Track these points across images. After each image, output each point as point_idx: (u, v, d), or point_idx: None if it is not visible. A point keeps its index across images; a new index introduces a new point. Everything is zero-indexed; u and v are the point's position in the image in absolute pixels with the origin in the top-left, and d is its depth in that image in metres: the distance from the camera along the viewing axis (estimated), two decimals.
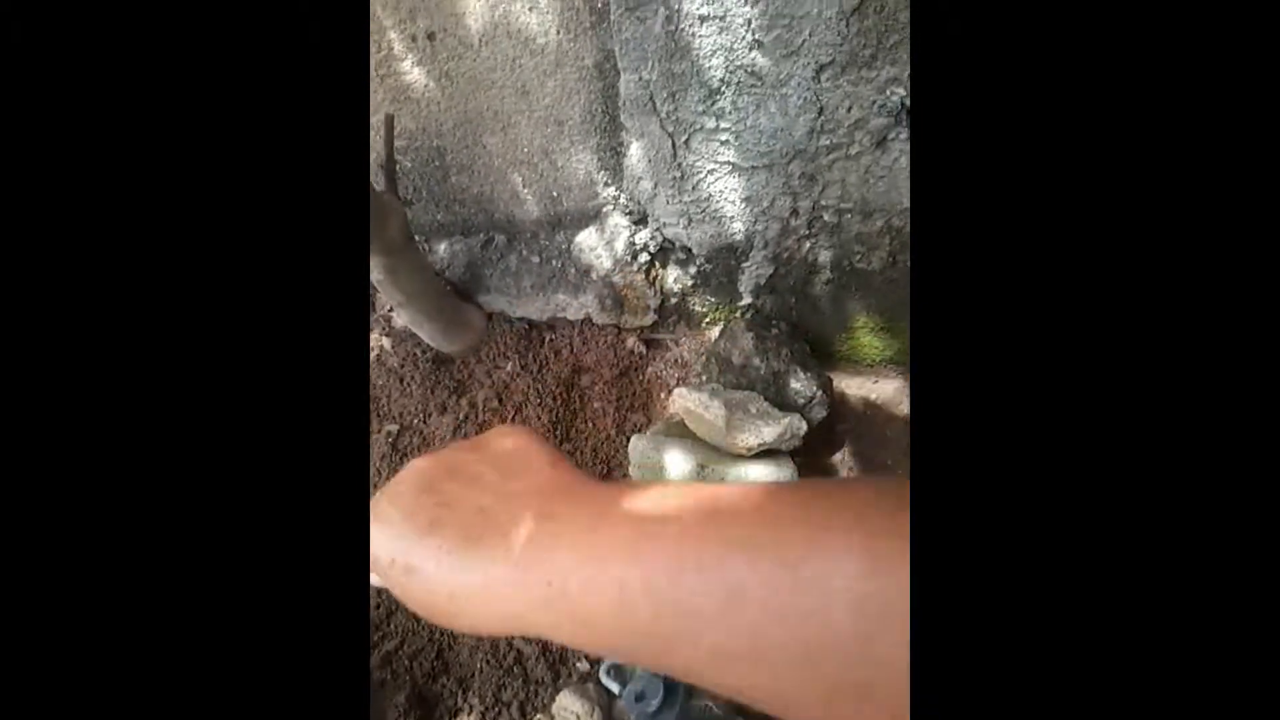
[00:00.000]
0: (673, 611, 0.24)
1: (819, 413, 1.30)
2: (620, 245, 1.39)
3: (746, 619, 0.22)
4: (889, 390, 1.56)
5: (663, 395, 1.49)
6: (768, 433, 1.16)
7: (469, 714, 1.17)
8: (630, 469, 1.30)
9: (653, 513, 0.27)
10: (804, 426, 1.18)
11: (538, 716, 1.07)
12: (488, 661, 1.23)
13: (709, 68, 1.14)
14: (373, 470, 1.48)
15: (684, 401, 1.18)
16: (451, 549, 0.30)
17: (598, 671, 1.14)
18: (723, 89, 1.15)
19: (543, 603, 0.27)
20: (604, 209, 1.40)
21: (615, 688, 1.06)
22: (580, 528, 0.28)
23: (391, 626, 1.30)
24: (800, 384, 1.27)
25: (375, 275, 1.30)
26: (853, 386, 1.57)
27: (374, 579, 0.35)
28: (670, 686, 0.97)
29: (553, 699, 1.16)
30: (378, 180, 1.25)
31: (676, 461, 1.18)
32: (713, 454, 1.19)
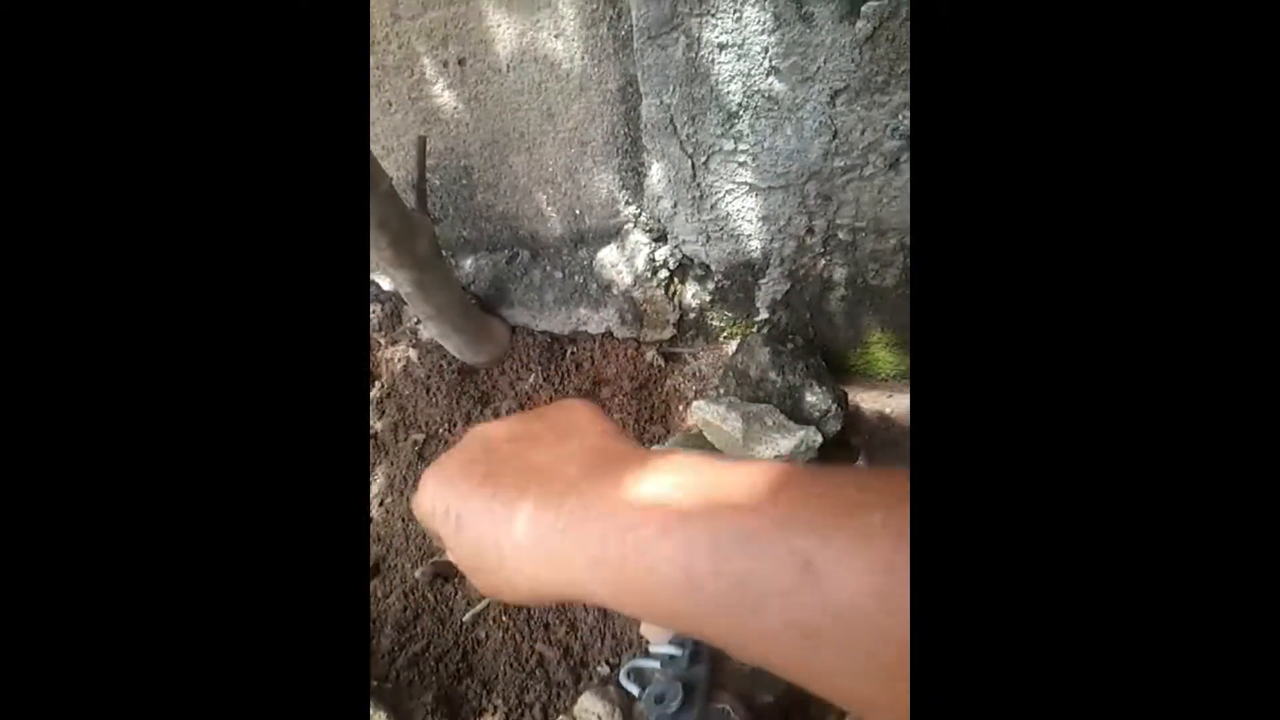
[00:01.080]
0: (742, 581, 0.23)
1: (834, 426, 1.33)
2: (640, 262, 1.44)
3: (820, 595, 0.21)
4: (903, 404, 1.59)
5: (681, 407, 1.53)
6: (784, 445, 1.20)
7: (493, 714, 1.21)
8: None
9: (719, 481, 0.25)
10: (819, 439, 1.21)
11: (560, 718, 1.11)
12: (510, 664, 1.27)
13: (728, 92, 1.18)
14: (399, 478, 1.53)
15: (703, 414, 1.22)
16: (504, 501, 0.29)
17: (618, 675, 1.18)
18: (741, 113, 1.19)
19: (592, 563, 0.26)
20: (625, 226, 1.44)
21: (635, 690, 1.10)
22: (636, 490, 0.26)
23: (418, 629, 1.34)
24: (816, 397, 1.31)
25: (405, 289, 1.35)
26: (867, 400, 1.60)
27: (432, 531, 0.34)
28: (689, 688, 1.00)
29: (574, 701, 1.20)
30: (409, 198, 1.30)
31: None
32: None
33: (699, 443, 1.32)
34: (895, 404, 1.59)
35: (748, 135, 1.21)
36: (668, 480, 0.26)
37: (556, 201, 1.45)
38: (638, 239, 1.44)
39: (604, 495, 0.27)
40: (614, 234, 1.46)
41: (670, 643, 1.09)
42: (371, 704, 1.15)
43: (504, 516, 0.29)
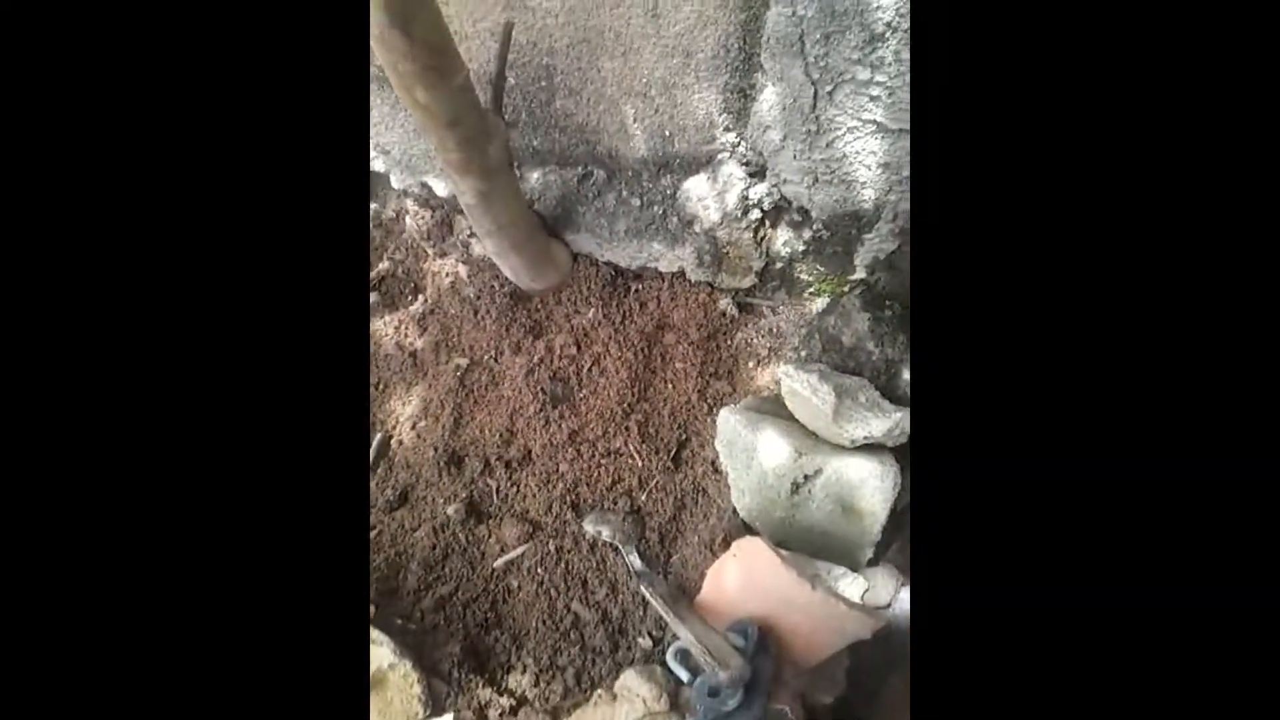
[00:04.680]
0: None
1: None
2: (731, 198, 1.27)
3: None
4: None
5: (751, 364, 1.39)
6: (876, 426, 1.06)
7: (522, 673, 1.13)
8: (717, 443, 1.21)
9: None
10: (909, 429, 1.07)
11: (598, 692, 1.02)
12: (543, 621, 1.18)
13: (876, 8, 0.99)
14: (435, 402, 1.42)
15: (790, 382, 1.08)
16: None
17: (662, 653, 1.09)
18: (888, 36, 1.00)
19: None
20: (720, 156, 1.27)
21: (684, 675, 1.00)
22: None
23: (447, 570, 1.25)
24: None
25: (466, 199, 1.20)
26: None
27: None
28: (751, 687, 0.91)
29: (611, 670, 1.11)
30: (484, 95, 1.13)
31: (772, 444, 1.08)
32: (811, 441, 1.10)
33: (775, 409, 1.18)
34: None
35: (890, 65, 1.02)
36: None
37: (645, 118, 1.27)
38: (732, 172, 1.26)
39: None
40: (705, 163, 1.29)
41: (731, 629, 0.99)
42: (396, 650, 1.06)
43: None
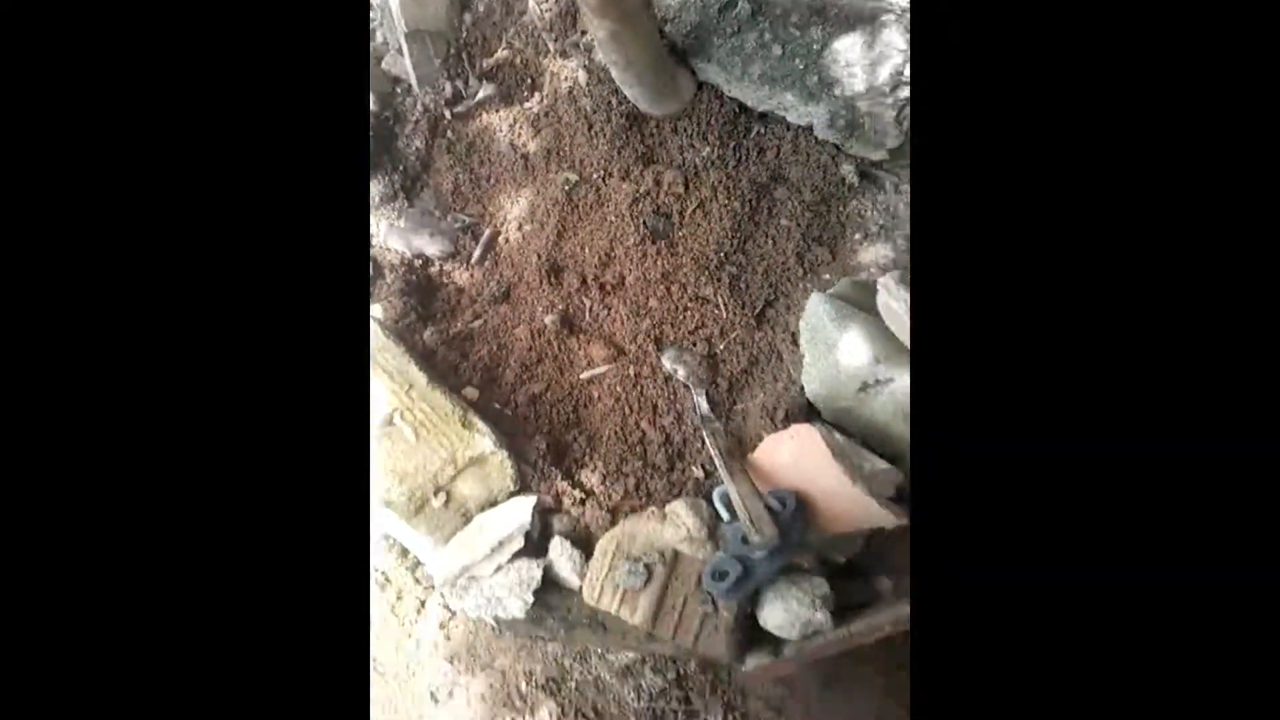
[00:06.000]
0: None
1: None
2: (884, 71, 1.18)
3: None
4: None
5: (858, 237, 1.40)
6: None
7: (592, 471, 1.36)
8: (801, 322, 1.29)
9: None
10: None
11: (651, 508, 1.25)
12: (615, 432, 1.38)
13: None
14: (542, 210, 1.48)
15: (886, 296, 1.13)
16: None
17: (710, 488, 1.30)
18: None
19: None
20: (884, 17, 1.15)
21: (726, 515, 1.22)
22: None
23: (539, 371, 1.43)
24: None
25: (599, 35, 1.13)
26: None
27: None
28: (778, 548, 1.12)
29: (664, 487, 1.34)
30: None
31: (853, 345, 1.16)
32: (892, 348, 1.17)
33: (866, 301, 1.23)
34: None
35: None
36: None
37: None
38: (892, 40, 1.15)
39: None
40: (866, 20, 1.17)
41: (774, 494, 1.18)
42: (495, 439, 1.28)
43: None
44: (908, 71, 1.16)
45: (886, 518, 1.10)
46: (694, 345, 1.40)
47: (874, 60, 1.18)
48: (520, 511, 1.27)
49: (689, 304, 1.40)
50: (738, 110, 1.39)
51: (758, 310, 1.39)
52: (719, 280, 1.39)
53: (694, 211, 1.41)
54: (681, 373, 1.37)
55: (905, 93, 1.19)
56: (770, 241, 1.41)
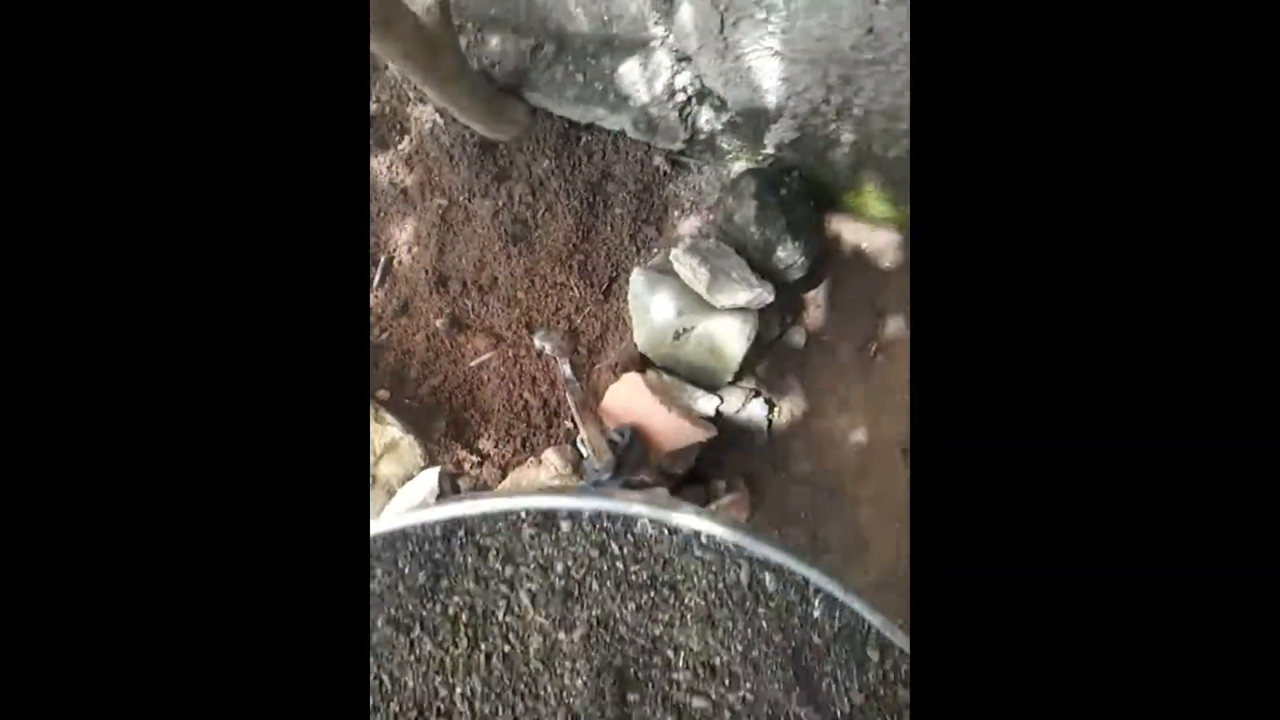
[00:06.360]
0: None
1: (797, 275, 1.53)
2: (660, 84, 1.47)
3: None
4: (882, 241, 1.75)
5: (676, 214, 1.69)
6: (741, 297, 1.42)
7: (488, 439, 1.65)
8: (629, 293, 1.58)
9: None
10: (771, 298, 1.43)
11: (530, 459, 1.54)
12: (503, 405, 1.67)
13: None
14: (424, 233, 1.76)
15: (678, 265, 1.42)
16: None
17: (576, 439, 1.59)
18: None
19: None
20: (652, 44, 1.44)
21: (586, 453, 1.52)
22: None
23: (437, 366, 1.72)
24: (785, 253, 1.49)
25: (432, 95, 1.42)
26: (849, 232, 1.75)
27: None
28: (618, 467, 1.41)
29: (545, 442, 1.63)
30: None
31: (661, 304, 1.46)
32: (694, 302, 1.47)
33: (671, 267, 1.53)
34: (875, 240, 1.76)
35: (780, 9, 1.18)
36: None
37: (586, 3, 1.42)
38: (661, 60, 1.45)
39: None
40: (640, 46, 1.46)
41: (617, 430, 1.47)
42: (404, 426, 1.57)
43: None
44: (679, 81, 1.46)
45: (700, 434, 1.40)
46: (558, 324, 1.69)
47: (651, 76, 1.47)
48: (429, 479, 1.57)
49: (549, 291, 1.69)
50: (567, 125, 1.68)
51: (605, 287, 1.69)
52: (571, 268, 1.68)
53: (543, 214, 1.70)
54: (549, 348, 1.66)
55: (682, 97, 1.49)
56: (609, 229, 1.70)
